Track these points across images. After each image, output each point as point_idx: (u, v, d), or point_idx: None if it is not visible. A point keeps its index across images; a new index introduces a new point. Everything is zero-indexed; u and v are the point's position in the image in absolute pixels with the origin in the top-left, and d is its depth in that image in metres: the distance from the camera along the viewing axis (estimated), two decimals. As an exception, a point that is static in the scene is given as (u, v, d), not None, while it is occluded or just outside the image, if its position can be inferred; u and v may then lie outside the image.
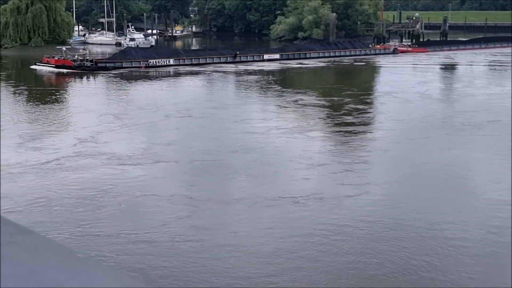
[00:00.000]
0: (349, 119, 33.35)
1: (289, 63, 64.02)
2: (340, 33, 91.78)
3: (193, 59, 62.79)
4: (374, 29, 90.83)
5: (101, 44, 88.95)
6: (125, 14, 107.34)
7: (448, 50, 79.71)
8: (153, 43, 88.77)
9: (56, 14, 78.68)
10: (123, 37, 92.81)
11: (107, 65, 58.58)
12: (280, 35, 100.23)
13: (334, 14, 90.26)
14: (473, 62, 67.04)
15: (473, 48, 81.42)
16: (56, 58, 58.53)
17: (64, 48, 59.92)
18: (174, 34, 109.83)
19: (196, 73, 56.69)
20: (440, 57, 71.99)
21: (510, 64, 62.26)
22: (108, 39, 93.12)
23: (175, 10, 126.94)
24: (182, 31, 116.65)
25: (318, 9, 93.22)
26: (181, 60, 62.29)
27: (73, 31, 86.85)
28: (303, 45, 77.65)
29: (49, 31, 78.21)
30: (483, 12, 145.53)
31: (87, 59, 58.23)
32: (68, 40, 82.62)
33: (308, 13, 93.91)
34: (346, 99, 39.89)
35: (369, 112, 36.13)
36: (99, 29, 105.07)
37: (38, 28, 77.46)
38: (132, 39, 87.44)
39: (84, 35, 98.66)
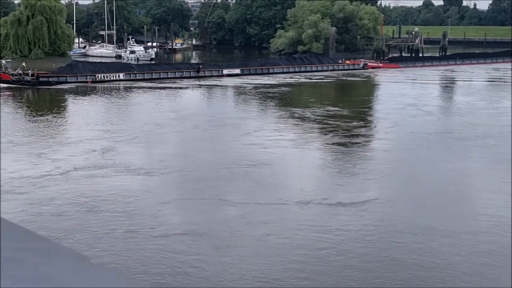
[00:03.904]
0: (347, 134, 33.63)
1: (251, 79, 60.58)
2: (339, 47, 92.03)
3: (145, 74, 59.54)
4: (374, 44, 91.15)
5: (101, 56, 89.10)
6: (125, 27, 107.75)
7: (421, 66, 76.60)
8: (153, 56, 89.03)
9: (56, 27, 78.86)
10: (123, 49, 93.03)
11: (50, 79, 55.33)
12: (280, 49, 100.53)
13: (334, 28, 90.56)
14: (438, 80, 64.30)
15: (448, 64, 78.56)
16: None
17: (3, 62, 56.87)
18: (174, 47, 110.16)
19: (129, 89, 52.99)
20: (410, 73, 68.92)
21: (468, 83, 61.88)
22: (108, 51, 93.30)
23: (175, 23, 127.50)
24: (182, 44, 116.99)
25: (318, 23, 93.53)
26: (132, 75, 59.00)
27: (73, 43, 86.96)
28: (267, 60, 74.74)
29: (50, 43, 78.35)
30: (482, 28, 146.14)
31: (27, 73, 54.43)
32: (68, 52, 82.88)
33: (308, 27, 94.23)
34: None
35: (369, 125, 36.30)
36: (99, 42, 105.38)
37: (38, 40, 77.59)
38: (132, 52, 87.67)
39: (84, 47, 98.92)
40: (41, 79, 54.83)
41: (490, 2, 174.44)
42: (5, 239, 1.08)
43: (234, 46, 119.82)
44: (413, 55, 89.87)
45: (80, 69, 57.88)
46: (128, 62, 71.12)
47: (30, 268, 0.99)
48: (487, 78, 66.97)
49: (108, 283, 1.02)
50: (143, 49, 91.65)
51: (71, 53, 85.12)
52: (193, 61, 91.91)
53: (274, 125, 36.14)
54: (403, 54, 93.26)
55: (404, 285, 14.46)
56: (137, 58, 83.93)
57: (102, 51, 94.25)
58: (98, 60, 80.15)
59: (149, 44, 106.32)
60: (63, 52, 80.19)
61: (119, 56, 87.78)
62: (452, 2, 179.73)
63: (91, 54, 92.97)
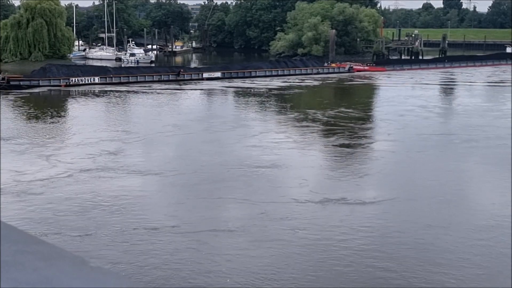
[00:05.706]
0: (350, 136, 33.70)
1: (231, 82, 59.27)
2: (339, 50, 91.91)
3: (122, 78, 58.20)
4: (374, 46, 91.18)
5: (101, 59, 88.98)
6: (125, 30, 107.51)
7: (408, 69, 75.25)
8: (153, 59, 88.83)
9: (56, 29, 78.77)
10: (123, 52, 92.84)
11: (21, 83, 53.77)
12: (280, 51, 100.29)
13: (334, 30, 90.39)
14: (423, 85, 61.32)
15: (436, 67, 77.34)
16: None
17: None
18: (174, 50, 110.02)
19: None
20: (395, 76, 67.72)
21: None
22: (108, 54, 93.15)
23: (175, 25, 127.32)
24: (182, 47, 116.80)
25: (318, 26, 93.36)
26: (108, 78, 57.49)
27: (73, 46, 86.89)
28: (250, 63, 73.39)
29: (50, 45, 78.26)
30: (482, 30, 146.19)
31: None
32: (68, 54, 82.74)
33: (307, 29, 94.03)
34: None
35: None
36: (99, 44, 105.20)
37: (38, 43, 77.51)
38: (132, 54, 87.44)
39: (84, 50, 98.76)
40: (12, 83, 53.20)
41: (490, 4, 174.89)
42: (5, 242, 1.09)
43: (234, 49, 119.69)
44: (413, 57, 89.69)
45: (54, 72, 56.32)
46: (105, 66, 67.22)
47: (30, 271, 1.00)
48: (474, 81, 66.53)
49: (108, 285, 1.02)
50: (143, 51, 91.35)
51: (71, 55, 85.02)
52: (193, 64, 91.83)
53: (285, 127, 36.15)
54: (403, 57, 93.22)
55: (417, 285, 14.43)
56: (137, 61, 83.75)
57: (102, 53, 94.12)
58: (98, 63, 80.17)
59: (149, 46, 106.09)
60: (63, 54, 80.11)
61: (119, 59, 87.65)
62: (451, 4, 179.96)
63: (91, 57, 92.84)
